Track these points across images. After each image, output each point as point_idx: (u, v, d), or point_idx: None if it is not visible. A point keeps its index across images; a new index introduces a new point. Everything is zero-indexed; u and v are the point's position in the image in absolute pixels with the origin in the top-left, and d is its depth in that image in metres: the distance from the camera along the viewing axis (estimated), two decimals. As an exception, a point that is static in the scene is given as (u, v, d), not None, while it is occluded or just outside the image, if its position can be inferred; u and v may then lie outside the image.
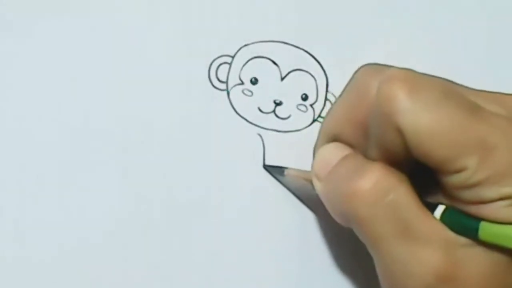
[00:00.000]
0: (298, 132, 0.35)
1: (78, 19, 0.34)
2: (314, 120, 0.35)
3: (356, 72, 0.30)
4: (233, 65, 0.35)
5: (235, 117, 0.35)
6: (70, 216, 0.33)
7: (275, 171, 0.34)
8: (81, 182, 0.33)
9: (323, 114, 0.35)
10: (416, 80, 0.27)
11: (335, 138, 0.31)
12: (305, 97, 0.35)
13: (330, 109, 0.32)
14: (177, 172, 0.34)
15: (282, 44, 0.35)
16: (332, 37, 0.35)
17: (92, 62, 0.34)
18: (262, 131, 0.35)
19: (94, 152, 0.34)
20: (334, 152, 0.30)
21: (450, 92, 0.27)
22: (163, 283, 0.34)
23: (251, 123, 0.35)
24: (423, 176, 0.28)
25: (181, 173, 0.34)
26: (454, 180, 0.27)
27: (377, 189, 0.28)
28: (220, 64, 0.35)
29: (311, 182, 0.32)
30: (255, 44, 0.35)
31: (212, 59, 0.35)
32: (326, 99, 0.35)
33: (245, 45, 0.35)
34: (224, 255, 0.34)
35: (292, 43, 0.35)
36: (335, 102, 0.32)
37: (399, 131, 0.27)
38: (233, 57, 0.35)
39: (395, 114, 0.26)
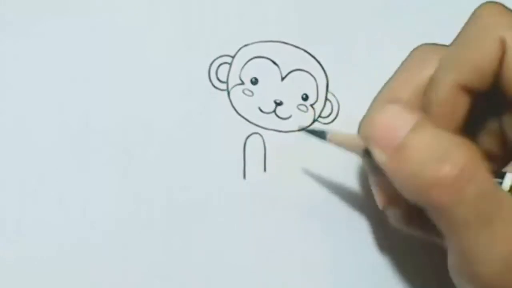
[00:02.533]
0: (299, 132, 0.35)
1: (78, 19, 0.34)
2: (314, 120, 0.35)
3: (414, 50, 0.31)
4: (233, 65, 0.35)
5: (236, 117, 0.35)
6: (70, 216, 0.33)
7: (316, 134, 0.32)
8: (81, 182, 0.33)
9: (323, 114, 0.35)
10: None
11: (397, 99, 0.30)
12: (305, 97, 0.35)
13: (388, 80, 0.31)
14: (177, 172, 0.34)
15: (282, 44, 0.35)
16: (332, 37, 0.36)
17: (92, 62, 0.34)
18: (262, 131, 0.35)
19: (94, 152, 0.34)
20: (399, 119, 0.27)
21: None
22: (163, 283, 0.34)
23: (251, 123, 0.35)
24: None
25: (181, 173, 0.34)
26: None
27: (463, 176, 0.26)
28: (220, 64, 0.35)
29: (359, 148, 0.30)
30: (255, 44, 0.35)
31: (212, 59, 0.35)
32: (326, 99, 0.35)
33: (245, 45, 0.35)
34: (224, 255, 0.34)
35: (292, 43, 0.35)
36: (393, 75, 0.31)
37: (502, 43, 0.28)
38: (233, 57, 0.35)
39: (499, 26, 0.28)
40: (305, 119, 0.35)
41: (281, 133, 0.35)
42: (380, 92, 0.31)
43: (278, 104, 0.35)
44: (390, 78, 0.31)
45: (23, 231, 0.33)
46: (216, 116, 0.34)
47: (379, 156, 0.27)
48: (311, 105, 0.35)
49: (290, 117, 0.35)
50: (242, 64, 0.35)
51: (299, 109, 0.35)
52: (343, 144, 0.31)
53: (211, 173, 0.34)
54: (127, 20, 0.35)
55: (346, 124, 0.35)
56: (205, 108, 0.34)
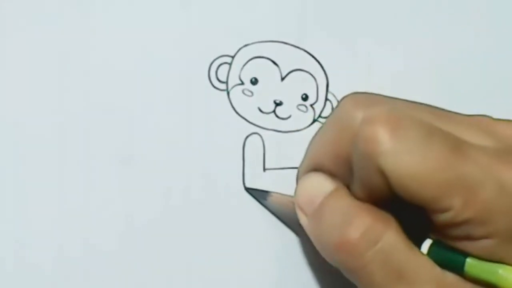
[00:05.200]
0: (298, 132, 0.35)
1: (78, 19, 0.34)
2: (314, 120, 0.35)
3: (340, 101, 0.30)
4: (233, 65, 0.35)
5: (235, 117, 0.35)
6: (69, 217, 0.33)
7: (258, 194, 0.34)
8: (80, 182, 0.33)
9: (323, 114, 0.35)
10: (398, 120, 0.27)
11: (318, 167, 0.31)
12: (305, 97, 0.35)
13: (314, 137, 0.32)
14: (177, 172, 0.34)
15: (282, 44, 0.35)
16: (332, 37, 0.35)
17: (91, 62, 0.34)
18: (262, 131, 0.35)
19: (94, 152, 0.34)
20: (318, 186, 0.30)
21: (433, 129, 0.27)
22: (162, 283, 0.34)
23: (251, 123, 0.35)
24: (410, 211, 0.28)
25: (180, 173, 0.34)
26: (440, 218, 0.26)
27: (366, 238, 0.27)
28: (220, 64, 0.35)
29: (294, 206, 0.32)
30: (255, 44, 0.35)
31: (212, 59, 0.35)
32: (326, 99, 0.35)
33: (245, 45, 0.35)
34: (223, 256, 0.34)
35: (292, 43, 0.35)
36: (319, 130, 0.31)
37: (382, 173, 0.26)
38: (233, 57, 0.35)
39: (377, 156, 0.26)
40: (305, 120, 0.35)
41: (280, 133, 0.35)
42: (307, 152, 0.32)
43: (278, 104, 0.35)
44: (315, 137, 0.32)
45: (23, 232, 0.33)
46: (215, 116, 0.34)
47: (301, 217, 0.31)
48: (311, 105, 0.35)
49: (289, 117, 0.35)
50: (242, 64, 0.35)
51: (299, 109, 0.35)
52: (281, 206, 0.33)
53: (210, 173, 0.34)
54: (127, 20, 0.35)
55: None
56: (205, 108, 0.34)
